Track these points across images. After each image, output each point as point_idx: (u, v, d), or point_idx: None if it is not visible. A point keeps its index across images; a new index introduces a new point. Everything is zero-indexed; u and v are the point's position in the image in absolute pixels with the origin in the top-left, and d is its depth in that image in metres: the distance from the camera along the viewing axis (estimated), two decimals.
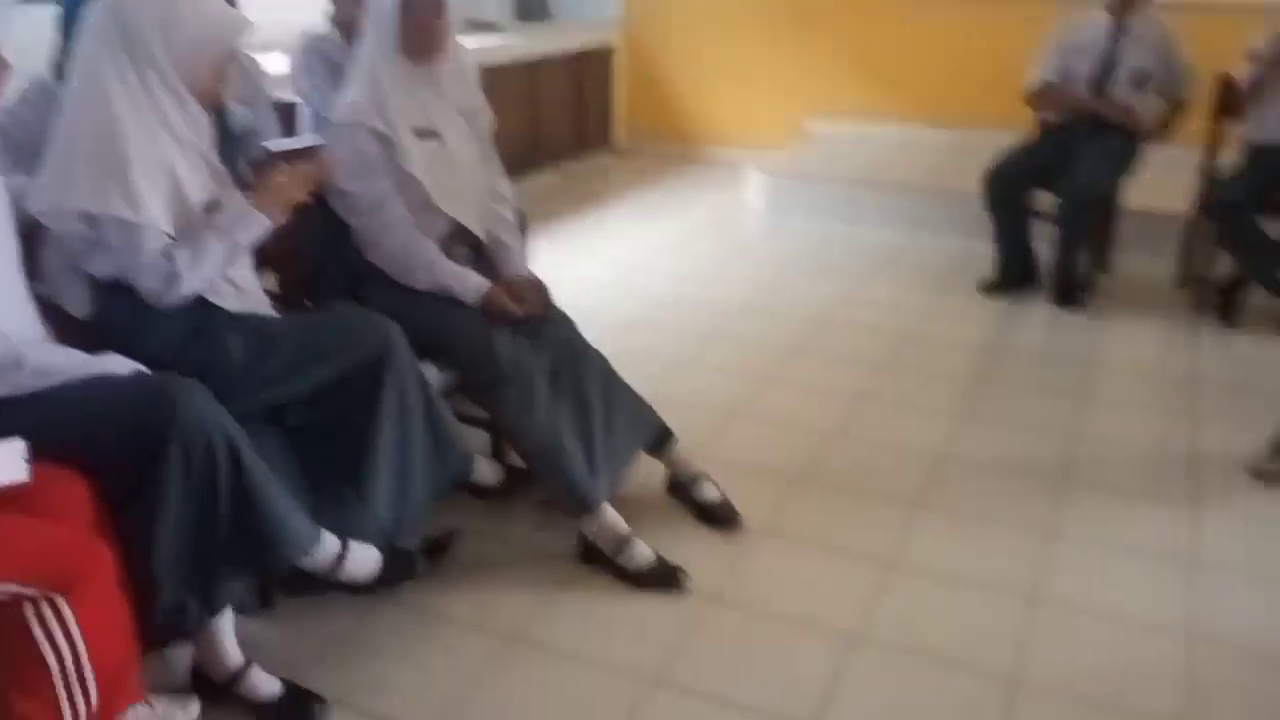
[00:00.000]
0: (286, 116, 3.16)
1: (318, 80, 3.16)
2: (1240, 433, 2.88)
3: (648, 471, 2.54)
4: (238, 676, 1.85)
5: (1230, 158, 3.85)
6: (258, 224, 1.94)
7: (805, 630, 2.12)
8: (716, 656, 2.05)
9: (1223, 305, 3.81)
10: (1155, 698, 1.94)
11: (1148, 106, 3.88)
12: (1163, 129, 3.94)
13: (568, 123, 5.97)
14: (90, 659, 1.50)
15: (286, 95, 3.19)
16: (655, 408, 2.52)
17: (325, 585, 1.98)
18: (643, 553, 2.26)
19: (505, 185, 2.59)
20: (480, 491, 2.49)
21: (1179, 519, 2.53)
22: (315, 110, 3.19)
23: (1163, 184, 4.19)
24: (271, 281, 2.39)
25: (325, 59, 3.17)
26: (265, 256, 2.19)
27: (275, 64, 3.27)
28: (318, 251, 2.42)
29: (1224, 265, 3.84)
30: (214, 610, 1.78)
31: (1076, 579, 2.29)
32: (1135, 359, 3.53)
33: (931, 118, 5.63)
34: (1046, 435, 2.95)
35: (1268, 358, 3.47)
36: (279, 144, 2.13)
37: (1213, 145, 3.95)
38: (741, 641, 2.09)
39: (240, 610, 1.89)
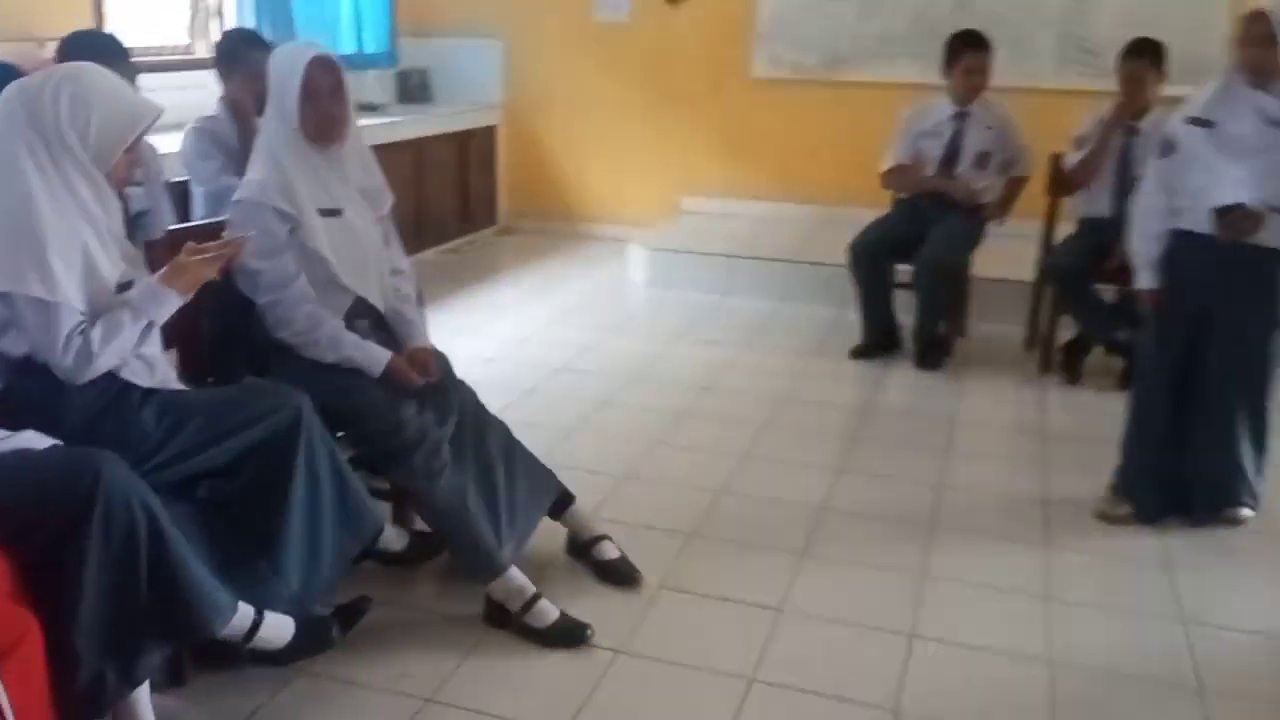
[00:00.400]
0: (178, 197, 3.21)
1: (210, 161, 3.22)
2: (1085, 478, 3.15)
3: (549, 534, 2.65)
4: None
5: (1066, 230, 4.26)
6: (169, 301, 2.00)
7: (705, 675, 2.25)
8: (624, 706, 2.15)
9: (1066, 363, 4.18)
10: (1031, 717, 2.14)
11: (989, 185, 4.27)
12: (1004, 204, 4.33)
13: (453, 202, 6.11)
14: None
15: (178, 176, 3.24)
16: (553, 473, 2.65)
17: (241, 657, 2.02)
18: (548, 611, 2.36)
19: (404, 261, 2.71)
20: (387, 559, 2.55)
21: (1035, 558, 2.78)
22: (207, 191, 3.24)
23: (1009, 255, 4.57)
24: (172, 359, 2.43)
25: (216, 140, 3.23)
26: (166, 334, 2.24)
27: (165, 145, 3.32)
28: (219, 329, 2.48)
29: (1066, 327, 4.22)
30: (134, 682, 1.80)
31: (947, 616, 2.49)
32: (991, 415, 3.83)
33: (799, 195, 5.99)
34: (915, 486, 3.19)
35: (1107, 409, 3.80)
36: (182, 225, 2.20)
37: (1050, 218, 4.35)
38: (646, 690, 2.21)
39: (154, 686, 1.90)
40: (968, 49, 4.19)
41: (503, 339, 4.54)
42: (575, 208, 6.58)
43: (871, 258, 4.31)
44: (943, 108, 4.31)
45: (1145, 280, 2.90)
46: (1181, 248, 2.79)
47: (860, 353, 4.40)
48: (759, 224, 5.91)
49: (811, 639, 2.39)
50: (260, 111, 3.09)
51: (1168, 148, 2.79)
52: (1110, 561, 2.78)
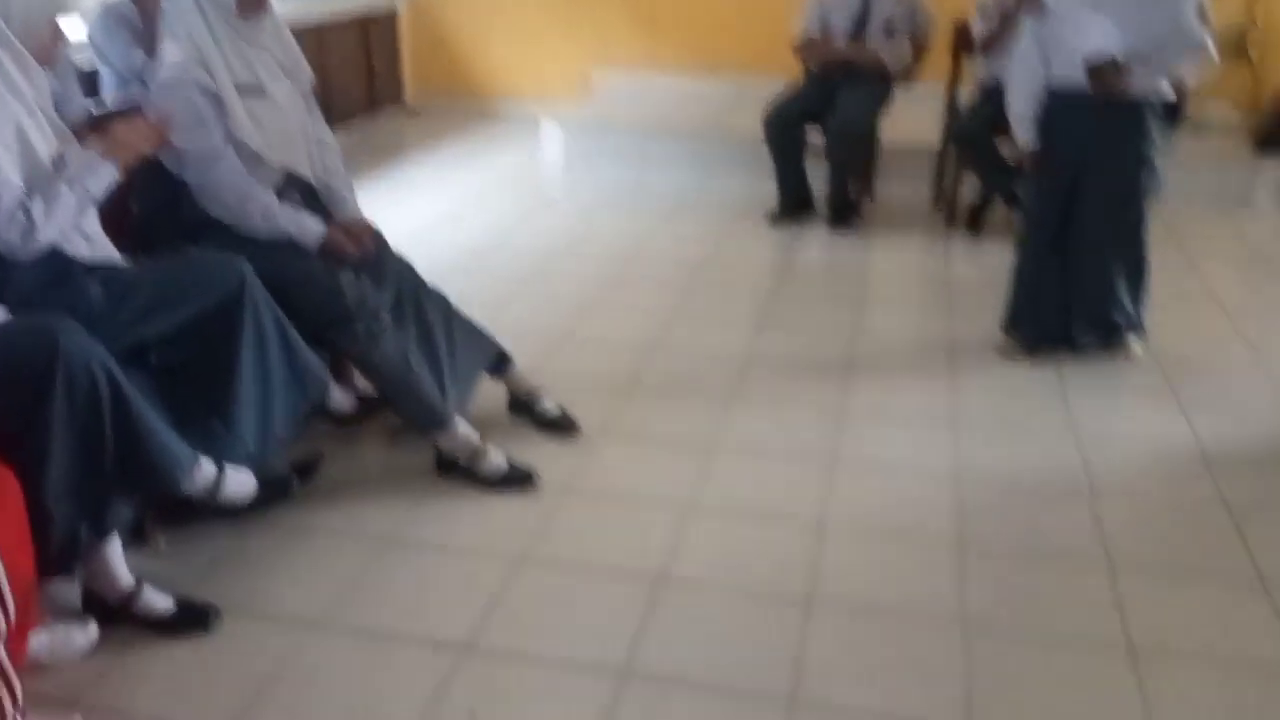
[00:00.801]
0: (87, 81, 3.15)
1: (117, 41, 3.15)
2: (987, 321, 3.37)
3: (490, 394, 2.76)
4: (131, 596, 1.96)
5: (969, 94, 4.42)
6: (106, 172, 2.02)
7: (647, 504, 2.42)
8: (572, 535, 2.32)
9: (970, 219, 4.40)
10: (935, 524, 2.36)
11: (896, 52, 4.38)
12: (909, 71, 4.46)
13: (357, 84, 6.00)
14: (6, 577, 1.60)
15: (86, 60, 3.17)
16: (491, 335, 2.75)
17: (204, 511, 2.11)
18: (496, 459, 2.49)
19: (329, 136, 2.72)
20: (336, 419, 2.64)
21: (942, 390, 3.00)
22: (117, 74, 3.18)
23: (916, 119, 4.74)
24: None
25: (124, 23, 3.17)
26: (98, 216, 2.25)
27: (73, 29, 3.23)
28: (149, 208, 2.49)
29: (969, 186, 4.41)
30: (104, 534, 1.89)
31: (864, 444, 2.71)
32: (900, 269, 4.04)
33: (711, 67, 6.03)
34: (832, 334, 3.38)
35: (1008, 260, 4.03)
36: (105, 106, 2.20)
37: (953, 84, 4.50)
38: (594, 521, 2.37)
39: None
40: None
41: (422, 218, 4.56)
42: (484, 85, 6.51)
43: (785, 126, 4.42)
44: None
45: (1025, 137, 3.06)
46: (1056, 105, 2.95)
47: (777, 217, 4.55)
48: (673, 98, 5.94)
49: (742, 469, 2.58)
50: None
51: (1040, 9, 2.92)
52: (1010, 391, 3.02)
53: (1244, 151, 4.93)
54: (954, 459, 2.64)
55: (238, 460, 2.13)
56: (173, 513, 2.17)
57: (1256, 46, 5.39)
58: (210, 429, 2.12)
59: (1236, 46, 5.40)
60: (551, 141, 5.54)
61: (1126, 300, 3.11)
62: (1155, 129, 2.92)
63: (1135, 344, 3.17)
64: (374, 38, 6.10)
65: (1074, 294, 3.10)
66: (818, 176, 4.51)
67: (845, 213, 4.45)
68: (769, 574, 2.18)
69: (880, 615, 2.06)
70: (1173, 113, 3.07)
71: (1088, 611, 2.08)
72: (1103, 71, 2.79)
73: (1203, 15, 2.81)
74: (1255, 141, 4.95)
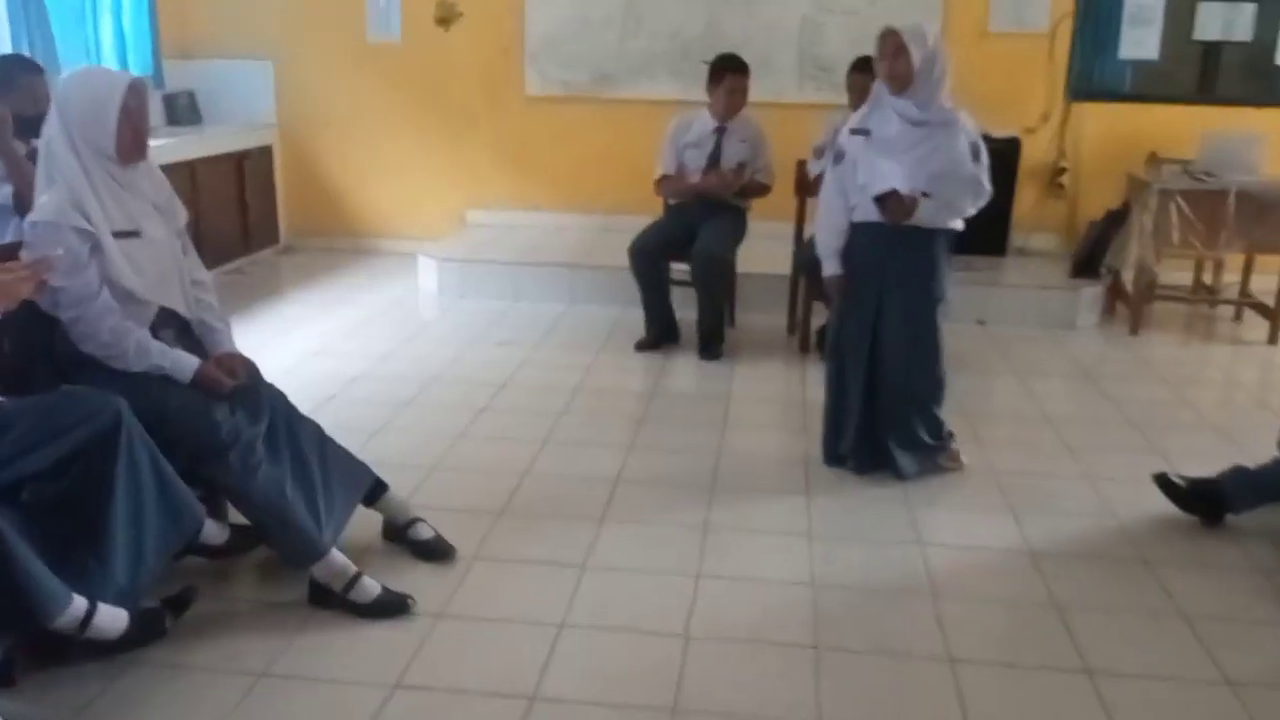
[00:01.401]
0: None
1: None
2: None
3: (365, 523, 2.82)
4: None
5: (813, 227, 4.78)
6: None
7: (520, 626, 2.50)
8: (447, 658, 2.37)
9: (821, 343, 4.70)
10: (793, 630, 2.51)
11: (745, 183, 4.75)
12: (745, 194, 4.76)
13: (231, 223, 6.08)
14: None
15: None
16: (365, 464, 2.83)
17: (73, 652, 2.10)
18: (370, 587, 2.54)
19: (204, 272, 2.82)
20: (209, 553, 2.65)
21: (799, 505, 3.20)
22: None
23: (770, 253, 5.08)
24: None
25: None
26: None
27: None
28: (21, 345, 2.52)
29: (819, 313, 4.74)
30: None
31: (727, 558, 2.86)
32: (760, 392, 4.29)
33: (578, 205, 6.35)
34: (697, 455, 3.56)
35: None
36: None
37: (799, 218, 4.88)
38: (467, 644, 2.43)
39: None
40: (730, 71, 4.66)
41: (298, 352, 4.62)
42: (359, 224, 6.67)
43: (649, 257, 4.70)
44: (705, 121, 4.76)
45: (830, 268, 3.36)
46: (857, 236, 3.28)
47: (644, 345, 4.78)
48: (543, 233, 6.22)
49: (612, 586, 2.70)
50: (24, 132, 3.12)
51: (839, 156, 3.28)
52: (861, 504, 3.24)
53: (1064, 277, 5.44)
54: (809, 568, 2.81)
55: (110, 597, 2.14)
56: (41, 653, 2.14)
57: (1069, 183, 6.01)
58: (83, 565, 2.14)
59: (1052, 183, 6.03)
60: (426, 275, 5.70)
61: (928, 423, 3.34)
62: (943, 252, 3.26)
63: (948, 459, 3.40)
64: (249, 175, 6.22)
65: (884, 423, 3.34)
66: (681, 306, 4.79)
67: (714, 340, 4.71)
68: (636, 687, 2.28)
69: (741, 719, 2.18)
70: (959, 241, 3.39)
71: (932, 705, 2.25)
72: (888, 202, 3.12)
73: (977, 154, 3.19)
74: (1074, 267, 5.48)
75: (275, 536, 2.54)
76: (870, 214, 3.21)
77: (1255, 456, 3.11)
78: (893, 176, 3.13)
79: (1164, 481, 3.12)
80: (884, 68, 3.15)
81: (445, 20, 6.29)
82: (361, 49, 6.37)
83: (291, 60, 6.44)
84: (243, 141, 6.20)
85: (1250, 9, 5.74)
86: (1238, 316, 5.47)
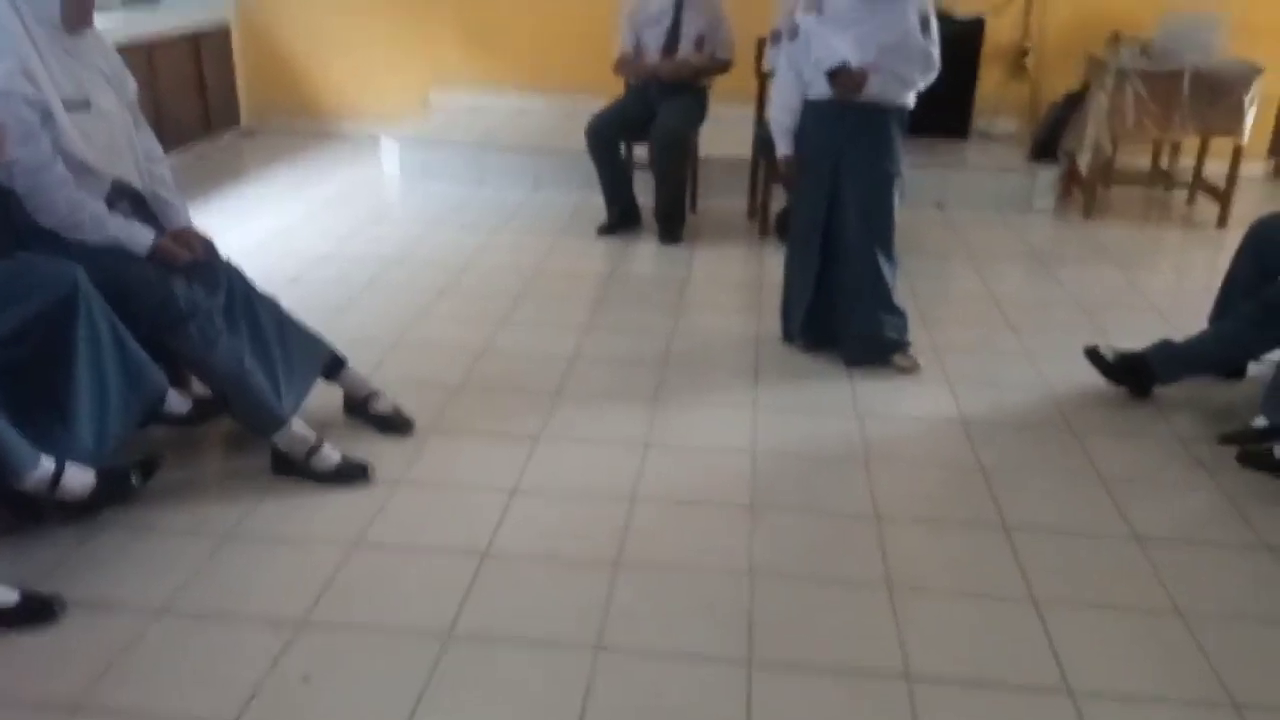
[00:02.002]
0: None
1: None
2: None
3: (326, 396, 2.93)
4: None
5: None
6: None
7: (474, 491, 2.64)
8: (404, 521, 2.51)
9: (780, 227, 4.78)
10: (731, 492, 2.66)
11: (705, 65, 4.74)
12: (701, 74, 4.74)
13: (190, 105, 6.00)
14: None
15: None
16: (325, 338, 2.92)
17: (45, 514, 2.21)
18: (331, 455, 2.66)
19: (157, 146, 2.84)
20: (173, 421, 2.75)
21: (747, 379, 3.33)
22: None
23: (731, 136, 5.09)
24: None
25: None
26: None
27: None
28: None
29: (779, 196, 4.79)
30: None
31: (677, 428, 3.00)
32: (718, 274, 4.38)
33: (544, 86, 6.29)
34: (652, 335, 3.67)
35: None
36: None
37: (760, 100, 4.88)
38: (424, 508, 2.57)
39: None
40: None
41: (260, 233, 4.65)
42: (321, 105, 6.60)
43: (606, 138, 4.71)
44: None
45: (783, 147, 3.40)
46: (810, 115, 3.31)
47: (605, 229, 4.83)
48: (506, 116, 6.18)
49: (564, 456, 2.83)
50: None
51: (794, 33, 3.28)
52: (807, 378, 3.37)
53: (1023, 160, 5.50)
54: (752, 437, 2.95)
55: (77, 457, 2.24)
56: (12, 515, 2.25)
57: (1033, 64, 6.01)
58: (49, 427, 2.23)
59: (1016, 65, 6.03)
60: (389, 158, 5.69)
61: (891, 314, 3.40)
62: (896, 131, 3.30)
63: (903, 360, 3.44)
64: (206, 57, 6.11)
65: (838, 304, 3.41)
66: (645, 191, 4.83)
67: (673, 223, 4.77)
68: (582, 543, 2.43)
69: (678, 569, 2.34)
70: (922, 122, 3.42)
71: (856, 556, 2.41)
72: (839, 76, 3.16)
73: (926, 26, 3.20)
74: (1032, 150, 5.53)
75: (236, 405, 2.64)
76: (824, 91, 3.24)
77: (1191, 333, 3.24)
78: (843, 49, 3.16)
79: (1094, 355, 3.26)
80: None
81: None
82: None
83: None
84: (200, 20, 6.07)
85: None
86: (1191, 200, 5.57)
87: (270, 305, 2.81)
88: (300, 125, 6.57)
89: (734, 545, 2.43)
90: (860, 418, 3.10)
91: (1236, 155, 5.10)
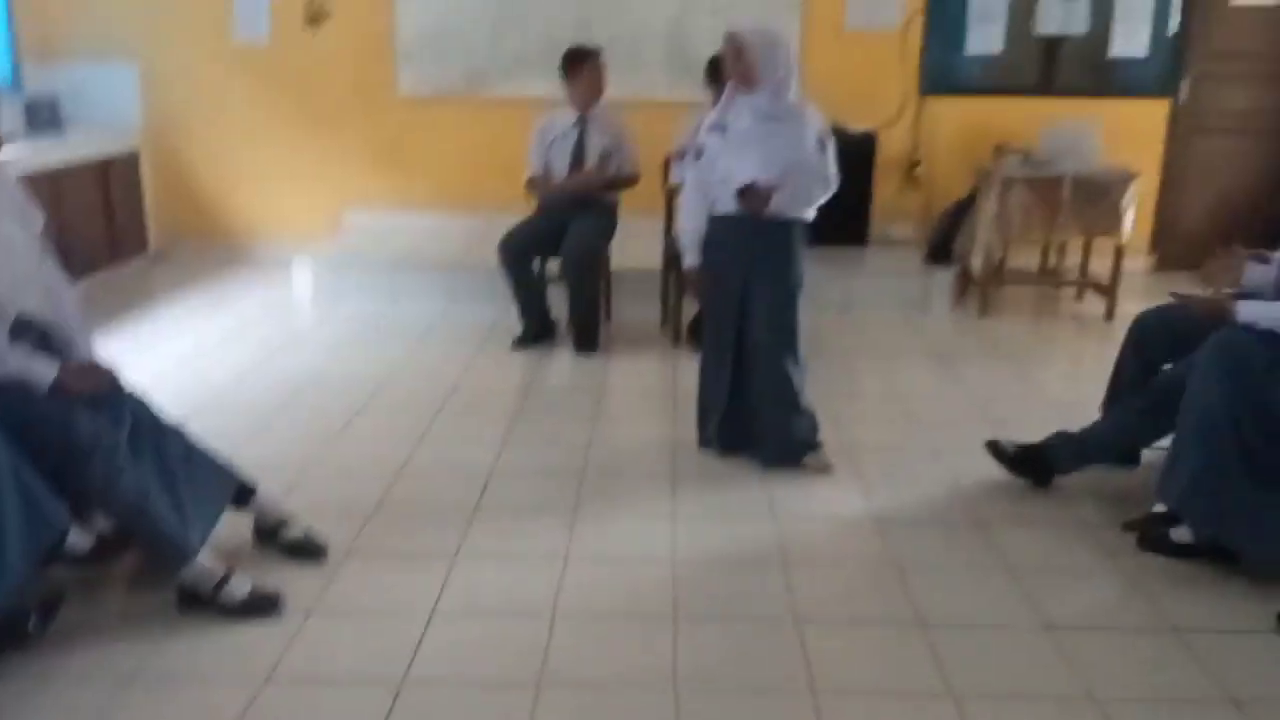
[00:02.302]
0: None
1: None
2: None
3: (235, 525, 2.86)
4: None
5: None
6: None
7: (390, 616, 2.59)
8: (317, 652, 2.45)
9: (693, 335, 4.88)
10: (654, 604, 2.66)
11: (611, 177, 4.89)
12: (609, 187, 4.90)
13: (97, 232, 5.93)
14: None
15: None
16: (233, 466, 2.87)
17: None
18: (240, 587, 2.59)
19: (62, 278, 2.81)
20: (76, 561, 2.66)
21: (665, 487, 3.36)
22: None
23: (641, 249, 5.23)
24: None
25: None
26: None
27: None
28: None
29: (691, 305, 4.91)
30: None
31: (597, 540, 3.00)
32: (634, 383, 4.44)
33: (456, 205, 6.40)
34: (570, 446, 3.69)
35: None
36: None
37: (668, 212, 5.03)
38: (338, 637, 2.51)
39: None
40: (583, 59, 4.79)
41: (168, 360, 4.59)
42: (232, 229, 6.59)
43: (519, 254, 4.80)
44: (566, 115, 4.88)
45: (692, 260, 3.50)
46: (718, 229, 3.43)
47: (520, 343, 4.88)
48: (421, 235, 6.24)
49: (482, 573, 2.80)
50: None
51: (698, 153, 3.42)
52: (721, 482, 3.41)
53: (919, 263, 5.74)
54: (671, 545, 2.97)
55: None
56: None
57: (924, 174, 6.33)
58: None
59: (908, 175, 6.34)
60: (301, 280, 5.69)
61: (801, 418, 3.49)
62: (799, 243, 3.43)
63: (815, 460, 3.50)
64: (114, 183, 6.08)
65: (751, 410, 3.49)
66: (559, 304, 4.91)
67: (587, 335, 4.83)
68: (503, 665, 2.39)
69: (601, 687, 2.32)
70: (824, 230, 3.58)
71: (779, 661, 2.42)
72: (747, 193, 3.30)
73: (823, 147, 3.37)
74: (928, 254, 5.78)
75: (141, 541, 2.57)
76: (730, 207, 3.37)
77: (1086, 423, 3.37)
78: (748, 168, 3.30)
79: (995, 448, 3.38)
80: (729, 69, 3.32)
81: (314, 20, 6.26)
82: (229, 50, 6.30)
83: (157, 62, 6.32)
84: (108, 147, 6.05)
85: (1085, 4, 6.13)
86: (1079, 296, 5.85)
87: (177, 434, 2.76)
88: (210, 249, 6.54)
89: (658, 658, 2.42)
90: (777, 520, 3.14)
91: (1118, 253, 5.41)
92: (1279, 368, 2.76)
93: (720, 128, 3.36)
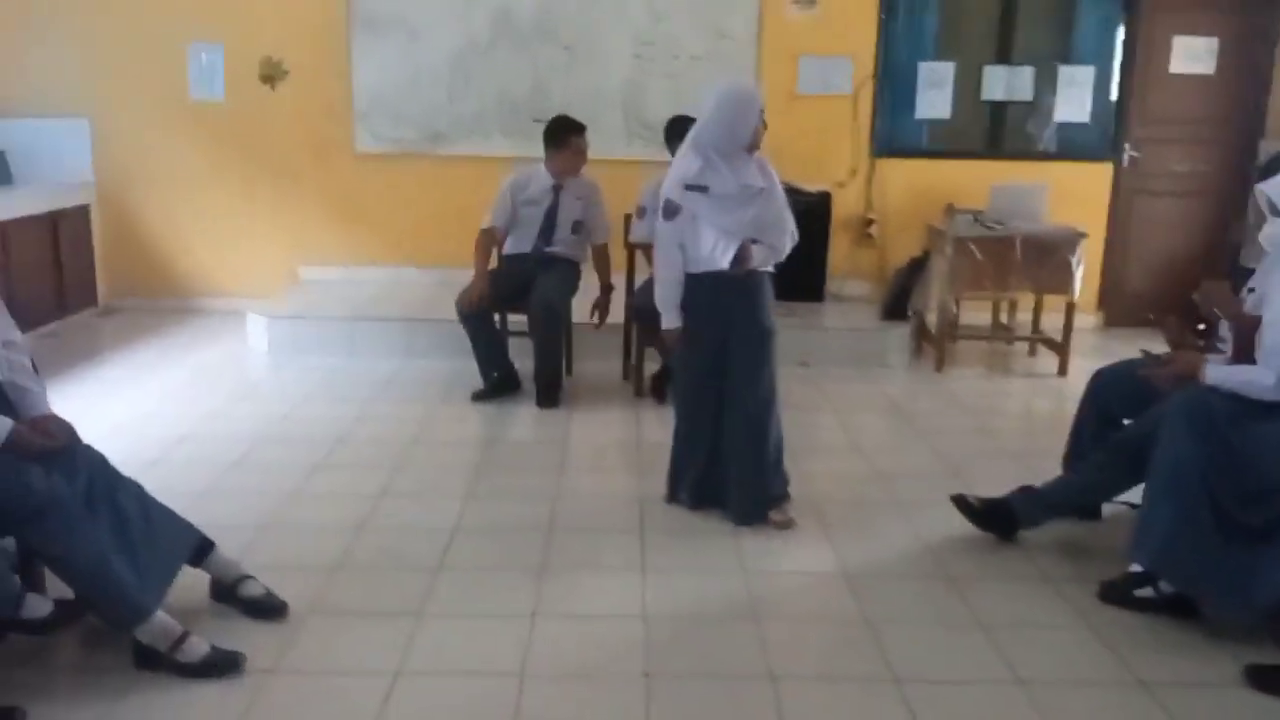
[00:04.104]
0: None
1: None
2: (666, 479, 3.75)
3: (193, 583, 2.78)
4: None
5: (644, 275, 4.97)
6: None
7: (353, 677, 2.51)
8: (279, 713, 2.37)
9: (655, 388, 4.89)
10: (626, 662, 2.61)
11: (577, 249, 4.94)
12: (603, 272, 4.98)
13: (45, 285, 5.83)
14: None
15: None
16: (190, 523, 2.79)
17: None
18: (198, 646, 2.50)
19: (16, 333, 2.75)
20: (31, 628, 2.54)
21: (632, 542, 3.32)
22: None
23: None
24: None
25: None
26: None
27: None
28: None
29: (652, 358, 4.93)
30: None
31: (565, 597, 2.95)
32: (597, 436, 4.42)
33: (415, 260, 6.38)
34: (535, 501, 3.64)
35: None
36: None
37: (630, 268, 5.06)
38: (299, 698, 2.43)
39: None
40: (573, 133, 4.84)
41: (121, 415, 4.47)
42: (184, 284, 6.50)
43: (479, 309, 4.77)
44: (542, 178, 4.90)
45: (672, 320, 3.47)
46: (697, 287, 3.42)
47: (481, 396, 4.84)
48: (379, 288, 6.21)
49: (448, 632, 2.74)
50: None
51: (672, 212, 3.37)
52: (690, 537, 3.39)
53: (875, 320, 5.82)
54: (641, 601, 2.93)
55: None
56: None
57: (878, 233, 6.45)
58: None
59: (862, 234, 6.46)
60: (256, 334, 5.61)
61: (775, 472, 3.50)
62: (770, 292, 3.51)
63: (779, 515, 3.50)
64: (64, 236, 5.99)
65: (727, 464, 3.49)
66: (518, 355, 4.89)
67: (551, 390, 4.81)
68: None
69: None
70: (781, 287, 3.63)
71: (752, 718, 2.39)
72: (744, 252, 3.35)
73: (786, 202, 3.46)
74: (883, 311, 5.87)
75: (97, 601, 2.47)
76: (710, 265, 3.37)
77: (1046, 477, 3.41)
78: (733, 227, 3.34)
79: (961, 502, 3.40)
80: (758, 138, 3.32)
81: (270, 78, 6.26)
82: (184, 107, 6.26)
83: (109, 118, 6.26)
84: (57, 201, 5.97)
85: (1029, 72, 6.36)
86: (1032, 352, 5.97)
87: (133, 490, 2.69)
88: (163, 304, 6.43)
89: (630, 717, 2.37)
90: (747, 575, 3.12)
91: (1069, 310, 5.54)
92: (1242, 418, 2.82)
93: (700, 188, 3.34)
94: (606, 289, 5.01)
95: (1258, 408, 2.84)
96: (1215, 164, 6.47)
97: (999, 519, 3.37)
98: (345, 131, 6.30)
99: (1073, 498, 3.36)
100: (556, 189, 4.89)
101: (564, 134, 4.84)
